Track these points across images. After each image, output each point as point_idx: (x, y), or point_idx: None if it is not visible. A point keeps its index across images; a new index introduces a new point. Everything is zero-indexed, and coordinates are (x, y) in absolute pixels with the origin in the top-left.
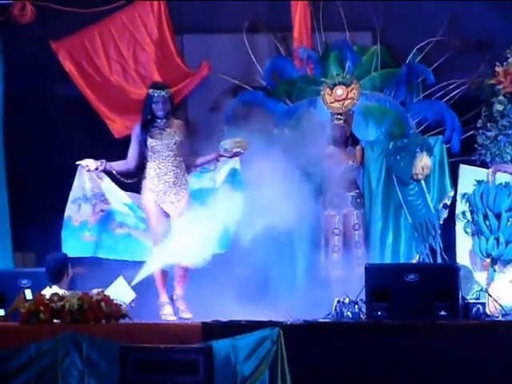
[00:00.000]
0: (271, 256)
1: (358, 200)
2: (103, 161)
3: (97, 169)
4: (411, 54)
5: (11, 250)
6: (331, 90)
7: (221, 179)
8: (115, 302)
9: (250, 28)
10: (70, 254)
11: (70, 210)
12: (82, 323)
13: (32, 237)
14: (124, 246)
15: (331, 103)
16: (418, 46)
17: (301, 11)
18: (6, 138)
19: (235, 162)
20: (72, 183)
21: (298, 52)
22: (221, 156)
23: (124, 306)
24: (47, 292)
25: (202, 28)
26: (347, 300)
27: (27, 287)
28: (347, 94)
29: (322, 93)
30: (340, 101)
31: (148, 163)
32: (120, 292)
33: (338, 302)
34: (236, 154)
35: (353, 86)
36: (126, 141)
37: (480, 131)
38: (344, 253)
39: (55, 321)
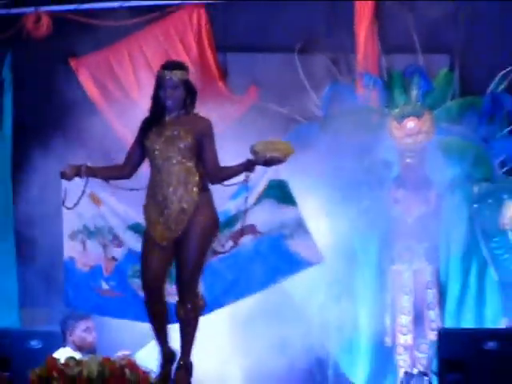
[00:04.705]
0: (331, 318)
1: (433, 253)
2: (86, 164)
3: (78, 175)
4: (494, 82)
5: (18, 307)
6: (399, 122)
7: (256, 195)
8: (143, 368)
9: (304, 48)
10: (84, 311)
11: (70, 249)
12: None
13: (42, 290)
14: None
15: (401, 138)
16: (503, 73)
17: (366, 30)
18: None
19: (276, 172)
20: None
21: (363, 78)
22: (253, 164)
23: (154, 374)
24: (61, 353)
25: (248, 46)
26: (416, 371)
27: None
28: (420, 128)
29: (388, 126)
30: (412, 135)
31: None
32: (153, 358)
33: (406, 373)
34: (272, 161)
35: (426, 117)
36: None
37: None
38: (414, 315)
39: None
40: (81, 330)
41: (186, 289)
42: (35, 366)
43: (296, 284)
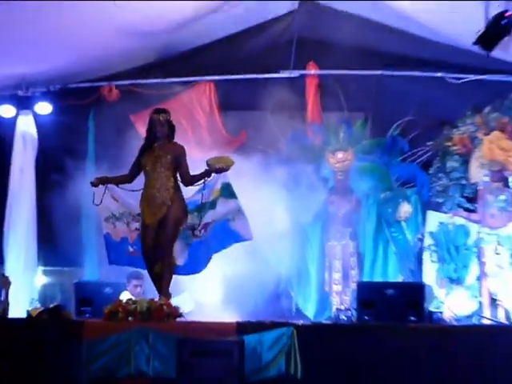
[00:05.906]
0: (292, 274)
1: (354, 235)
2: (105, 175)
3: (101, 183)
4: (392, 129)
5: (97, 265)
6: (333, 154)
7: (215, 194)
8: (174, 305)
9: (274, 108)
10: (120, 265)
11: (106, 227)
12: (149, 321)
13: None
14: None
15: (334, 164)
16: (397, 123)
17: (313, 97)
18: None
19: (224, 177)
20: None
21: (311, 127)
22: (209, 172)
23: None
24: (123, 296)
25: (240, 106)
26: (343, 307)
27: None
28: (346, 157)
29: (326, 157)
30: (341, 162)
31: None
32: (183, 302)
33: (337, 308)
34: (220, 170)
35: (349, 151)
36: None
37: (433, 179)
38: (343, 273)
39: (129, 318)
40: (132, 286)
41: (163, 251)
42: (107, 304)
43: (272, 253)
